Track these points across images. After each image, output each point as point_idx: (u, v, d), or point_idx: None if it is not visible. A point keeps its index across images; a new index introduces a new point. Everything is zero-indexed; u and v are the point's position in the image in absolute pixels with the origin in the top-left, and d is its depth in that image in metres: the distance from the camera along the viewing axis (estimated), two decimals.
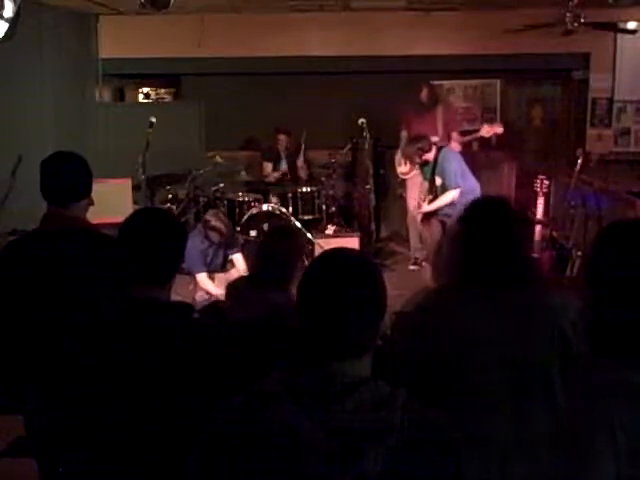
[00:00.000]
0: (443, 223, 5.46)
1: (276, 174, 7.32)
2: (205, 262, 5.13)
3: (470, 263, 1.94)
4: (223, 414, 1.28)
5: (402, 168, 6.56)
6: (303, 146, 7.48)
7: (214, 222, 5.06)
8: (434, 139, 5.85)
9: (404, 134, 6.60)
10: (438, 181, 5.36)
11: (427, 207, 5.50)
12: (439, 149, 5.43)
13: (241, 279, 2.89)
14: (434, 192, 5.43)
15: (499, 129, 6.31)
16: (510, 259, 1.90)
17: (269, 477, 1.18)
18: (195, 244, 5.01)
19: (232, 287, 2.87)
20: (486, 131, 6.31)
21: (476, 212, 2.04)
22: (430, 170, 5.46)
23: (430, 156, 5.42)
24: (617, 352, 1.27)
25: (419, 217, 5.90)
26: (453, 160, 5.34)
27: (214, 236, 5.08)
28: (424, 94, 6.47)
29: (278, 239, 2.81)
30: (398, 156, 6.60)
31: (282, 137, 7.30)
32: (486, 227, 1.96)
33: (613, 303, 1.29)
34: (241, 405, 1.26)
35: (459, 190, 5.20)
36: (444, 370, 1.85)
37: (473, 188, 5.33)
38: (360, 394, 1.20)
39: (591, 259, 1.38)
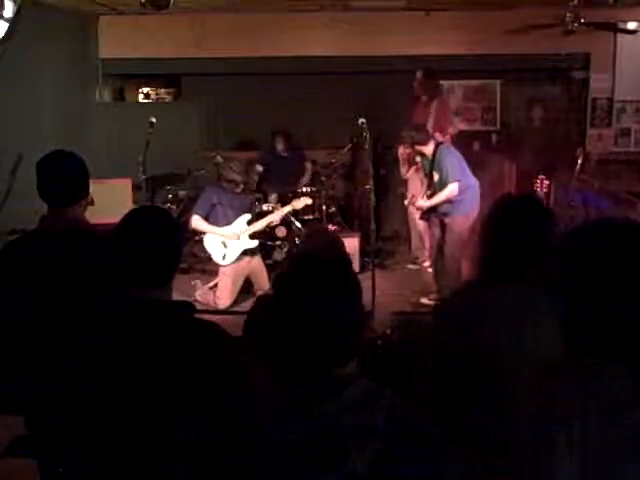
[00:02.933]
0: (442, 222, 5.44)
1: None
2: (209, 211, 5.44)
3: (502, 260, 1.94)
4: (213, 415, 1.28)
5: (402, 170, 6.57)
6: (305, 154, 7.50)
7: (226, 173, 5.42)
8: (437, 136, 5.81)
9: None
10: (435, 177, 5.34)
11: (424, 202, 5.45)
12: (437, 145, 5.41)
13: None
14: (432, 188, 5.41)
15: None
16: (541, 257, 1.90)
17: (256, 479, 1.18)
18: (208, 194, 5.44)
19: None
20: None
21: (509, 208, 2.04)
22: (428, 165, 5.43)
23: (427, 150, 5.39)
24: (591, 350, 1.26)
25: (417, 214, 5.87)
26: (451, 156, 5.31)
27: (230, 187, 5.41)
28: (416, 80, 6.37)
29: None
30: (401, 160, 6.59)
31: (279, 138, 7.31)
32: (520, 224, 1.96)
33: (584, 302, 1.29)
34: (230, 407, 1.26)
35: (457, 184, 5.16)
36: (475, 370, 1.84)
37: (471, 185, 5.31)
38: (346, 394, 1.20)
39: (562, 258, 1.37)
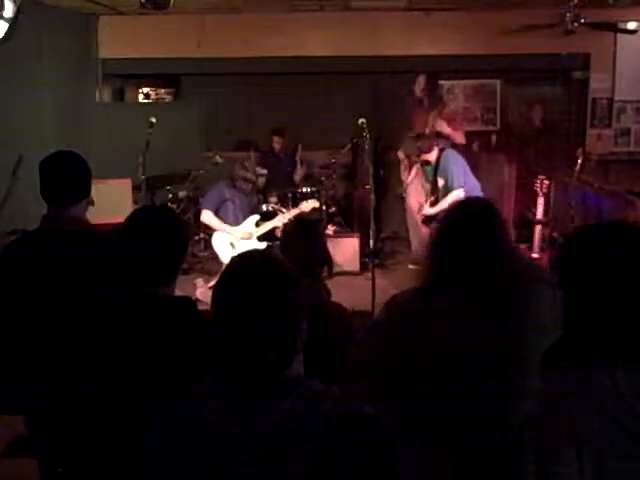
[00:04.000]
0: None
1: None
2: (219, 207, 5.40)
3: (446, 265, 1.92)
4: (162, 417, 1.28)
5: (404, 176, 6.55)
6: (300, 148, 7.49)
7: (243, 173, 5.44)
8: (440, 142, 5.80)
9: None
10: (440, 182, 5.34)
11: (429, 210, 5.46)
12: (441, 150, 5.41)
13: None
14: (436, 194, 5.42)
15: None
16: (488, 261, 1.88)
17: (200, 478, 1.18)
18: (220, 189, 5.27)
19: None
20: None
21: (454, 214, 2.03)
22: (432, 172, 5.44)
23: (430, 157, 5.40)
24: (592, 354, 1.26)
25: (420, 219, 5.88)
26: (456, 161, 5.32)
27: (245, 186, 5.44)
28: (417, 84, 6.31)
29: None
30: (403, 165, 6.57)
31: (277, 138, 7.31)
32: (461, 229, 1.94)
33: (585, 304, 1.28)
34: (175, 410, 1.26)
35: (463, 190, 5.17)
36: (423, 376, 1.83)
37: (473, 188, 5.32)
38: (289, 395, 1.19)
39: (562, 260, 1.37)
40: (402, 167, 6.55)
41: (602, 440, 1.16)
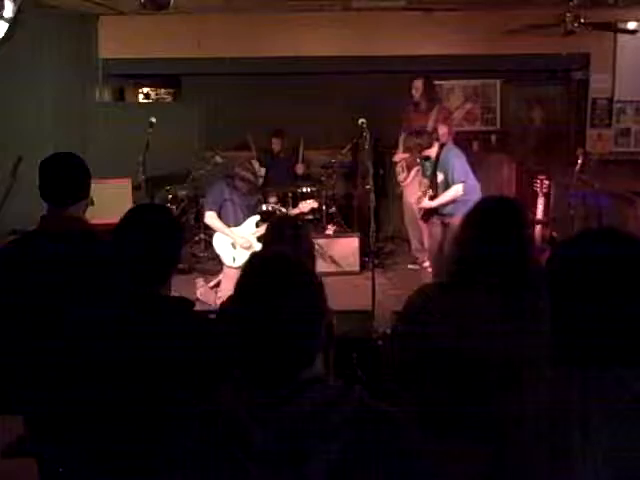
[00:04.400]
0: (444, 223, 5.44)
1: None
2: (220, 207, 5.35)
3: (470, 263, 1.93)
4: (184, 422, 1.29)
5: (401, 177, 6.54)
6: (302, 150, 7.50)
7: (242, 173, 5.36)
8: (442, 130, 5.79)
9: (402, 138, 6.55)
10: (440, 177, 5.33)
11: (429, 203, 5.44)
12: (442, 146, 5.40)
13: None
14: (435, 189, 5.40)
15: (468, 106, 6.28)
16: (511, 260, 1.89)
17: None
18: (220, 187, 5.27)
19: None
20: (459, 112, 6.28)
21: (481, 212, 2.04)
22: (432, 167, 5.42)
23: (431, 152, 5.38)
24: (582, 358, 1.26)
25: (419, 214, 5.86)
26: (457, 157, 5.31)
27: (243, 186, 5.35)
28: (415, 86, 6.28)
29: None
30: (397, 167, 6.56)
31: (275, 140, 7.31)
32: (488, 227, 1.95)
33: (575, 309, 1.28)
34: (198, 412, 1.27)
35: (462, 186, 5.16)
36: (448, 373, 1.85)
37: (474, 186, 5.31)
38: (309, 395, 1.20)
39: (553, 266, 1.37)
40: (399, 168, 6.54)
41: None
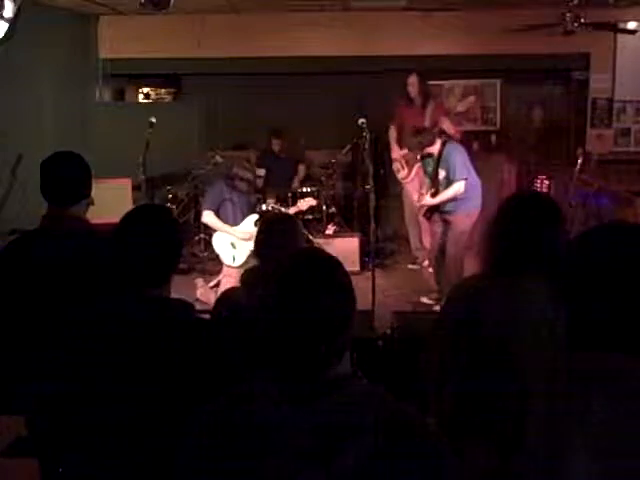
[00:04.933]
0: (444, 221, 5.43)
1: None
2: (219, 207, 5.36)
3: (519, 253, 2.00)
4: (206, 414, 1.29)
5: (401, 174, 6.53)
6: (304, 153, 7.51)
7: (242, 173, 5.38)
8: (444, 125, 5.78)
9: (392, 132, 6.54)
10: (441, 174, 5.31)
11: (430, 200, 5.42)
12: (444, 143, 5.39)
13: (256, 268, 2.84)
14: (437, 186, 5.38)
15: (471, 99, 6.26)
16: (554, 250, 1.94)
17: (249, 476, 1.19)
18: (219, 187, 5.27)
19: (247, 274, 2.82)
20: (462, 106, 6.26)
21: (523, 205, 2.10)
22: (434, 164, 5.40)
23: (433, 149, 5.37)
24: (596, 344, 1.27)
25: (421, 211, 5.84)
26: (459, 154, 5.29)
27: (243, 186, 5.38)
28: (410, 82, 6.26)
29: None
30: (396, 164, 6.55)
31: (275, 140, 7.31)
32: (525, 220, 2.02)
33: (590, 296, 1.30)
34: (222, 406, 1.27)
35: (464, 183, 5.15)
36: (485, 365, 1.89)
37: (475, 184, 5.31)
38: (338, 392, 1.21)
39: (569, 254, 1.40)
40: (397, 165, 6.53)
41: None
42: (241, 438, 1.20)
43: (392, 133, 6.55)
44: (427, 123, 6.08)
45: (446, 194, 5.24)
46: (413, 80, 6.28)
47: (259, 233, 2.72)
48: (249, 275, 2.67)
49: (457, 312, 2.07)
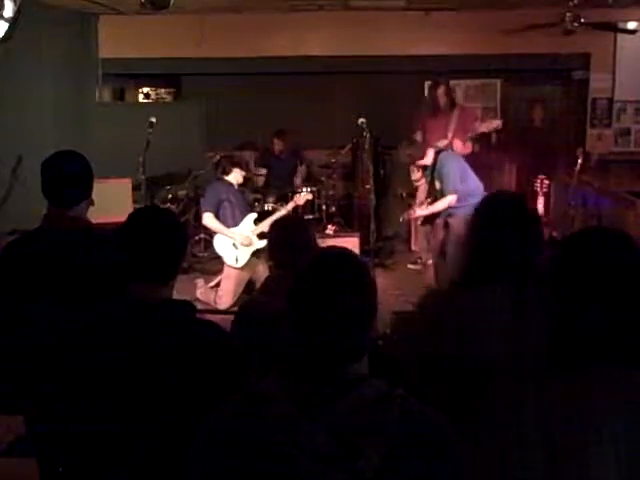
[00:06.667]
0: (446, 223, 5.44)
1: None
2: (218, 208, 5.38)
3: (482, 262, 1.94)
4: (222, 414, 1.29)
5: (414, 175, 6.50)
6: (303, 154, 7.51)
7: (232, 164, 5.48)
8: (439, 143, 5.76)
9: (419, 138, 6.46)
10: (437, 185, 5.33)
11: (420, 212, 5.45)
12: (437, 153, 5.39)
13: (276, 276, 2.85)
14: (433, 196, 5.40)
15: (497, 123, 6.18)
16: (523, 256, 1.89)
17: (267, 477, 1.19)
18: (216, 188, 5.28)
19: (270, 280, 2.82)
20: (486, 127, 6.20)
21: (487, 210, 2.04)
22: (429, 174, 5.43)
23: (426, 161, 5.38)
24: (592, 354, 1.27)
25: (419, 220, 5.86)
26: (451, 164, 5.27)
27: (238, 177, 5.47)
28: (440, 93, 6.16)
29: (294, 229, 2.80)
30: (412, 166, 6.51)
31: (277, 140, 7.32)
32: (498, 225, 1.95)
33: (581, 303, 1.29)
34: (239, 405, 1.27)
35: (455, 196, 5.15)
36: (467, 371, 1.84)
37: (475, 189, 5.30)
38: (358, 392, 1.21)
39: (558, 261, 1.37)
40: (414, 167, 6.47)
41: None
42: (259, 441, 1.20)
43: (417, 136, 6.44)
44: (452, 128, 6.00)
45: (435, 207, 5.26)
46: (442, 91, 6.18)
47: (272, 240, 2.74)
48: (270, 283, 2.70)
49: (420, 324, 2.01)
